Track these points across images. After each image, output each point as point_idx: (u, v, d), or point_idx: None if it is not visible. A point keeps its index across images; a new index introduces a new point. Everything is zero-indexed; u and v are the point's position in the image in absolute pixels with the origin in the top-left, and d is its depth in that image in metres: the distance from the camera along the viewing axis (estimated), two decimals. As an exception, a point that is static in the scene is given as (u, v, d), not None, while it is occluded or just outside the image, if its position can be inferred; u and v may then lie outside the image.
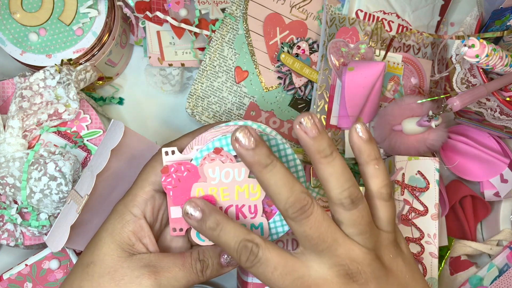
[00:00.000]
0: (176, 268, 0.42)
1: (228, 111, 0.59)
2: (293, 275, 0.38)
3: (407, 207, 0.53)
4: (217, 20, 0.60)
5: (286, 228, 0.44)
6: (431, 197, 0.53)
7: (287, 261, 0.38)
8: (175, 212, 0.44)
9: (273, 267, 0.38)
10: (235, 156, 0.42)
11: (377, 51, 0.59)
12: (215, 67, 0.59)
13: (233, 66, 0.60)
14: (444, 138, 0.57)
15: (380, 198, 0.41)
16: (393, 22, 0.62)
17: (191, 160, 0.42)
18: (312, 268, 0.38)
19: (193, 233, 0.44)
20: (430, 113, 0.53)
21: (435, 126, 0.53)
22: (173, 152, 0.43)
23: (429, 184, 0.54)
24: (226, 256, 0.44)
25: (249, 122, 0.44)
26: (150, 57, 0.61)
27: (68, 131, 0.56)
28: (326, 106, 0.58)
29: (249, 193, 0.43)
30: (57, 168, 0.52)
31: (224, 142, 0.42)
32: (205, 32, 0.60)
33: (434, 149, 0.57)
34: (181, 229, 0.45)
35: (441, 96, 0.58)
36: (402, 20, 0.62)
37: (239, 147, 0.37)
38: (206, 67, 0.59)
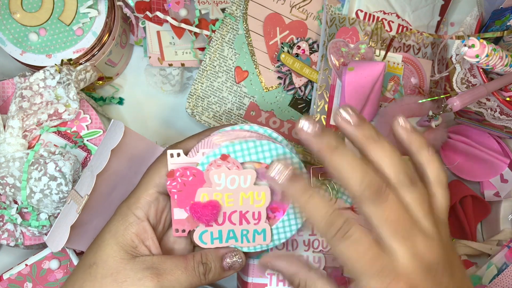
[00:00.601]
0: (179, 271, 0.42)
1: (228, 111, 0.59)
2: (382, 261, 0.35)
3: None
4: (217, 20, 0.60)
5: (289, 234, 0.45)
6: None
7: (374, 246, 0.35)
8: (178, 213, 0.44)
9: (364, 248, 0.35)
10: (242, 163, 0.43)
11: (377, 51, 0.59)
12: (215, 67, 0.59)
13: (233, 66, 0.60)
14: (444, 138, 0.57)
15: (439, 185, 0.40)
16: (393, 22, 0.62)
17: (197, 165, 0.43)
18: (396, 257, 0.35)
19: (196, 236, 0.44)
20: (430, 113, 0.53)
21: (435, 126, 0.53)
22: (178, 155, 0.43)
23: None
24: (228, 259, 0.44)
25: (255, 127, 0.44)
26: (150, 57, 0.61)
27: (68, 131, 0.56)
28: (326, 106, 0.58)
29: (254, 200, 0.43)
30: (57, 168, 0.52)
31: (231, 149, 0.42)
32: (205, 32, 0.60)
33: (434, 149, 0.57)
34: (183, 230, 0.45)
35: (441, 96, 0.58)
36: (402, 20, 0.62)
37: (306, 133, 0.36)
38: (206, 67, 0.59)
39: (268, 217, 0.44)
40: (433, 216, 0.38)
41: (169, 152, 0.43)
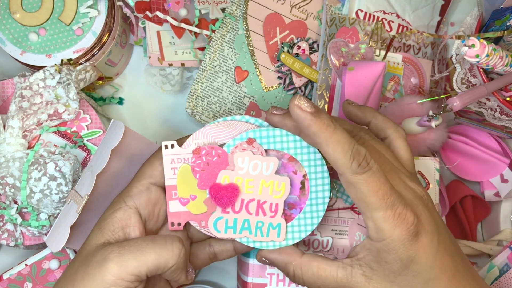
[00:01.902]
0: (144, 243, 0.41)
1: (228, 111, 0.59)
2: (394, 194, 0.38)
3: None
4: (217, 20, 0.60)
5: (303, 235, 0.44)
6: (431, 197, 0.53)
7: (387, 180, 0.38)
8: (173, 206, 0.44)
9: (382, 181, 0.37)
10: (266, 151, 0.43)
11: (377, 51, 0.59)
12: (215, 67, 0.59)
13: (233, 66, 0.60)
14: (444, 138, 0.57)
15: (400, 138, 0.44)
16: (393, 22, 0.62)
17: (222, 146, 0.43)
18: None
19: (210, 222, 0.43)
20: (430, 113, 0.53)
21: (435, 126, 0.53)
22: (172, 146, 0.44)
23: (429, 184, 0.54)
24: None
25: (246, 117, 0.44)
26: (150, 57, 0.61)
27: (68, 131, 0.56)
28: (326, 106, 0.58)
29: (273, 191, 0.43)
30: (57, 168, 0.52)
31: (258, 134, 0.43)
32: (205, 32, 0.60)
33: (434, 149, 0.57)
34: (179, 224, 0.45)
35: (441, 96, 0.58)
36: (402, 20, 0.62)
37: (300, 111, 0.37)
38: (206, 67, 0.59)
39: (284, 213, 0.44)
40: (400, 162, 0.43)
41: (163, 143, 0.44)
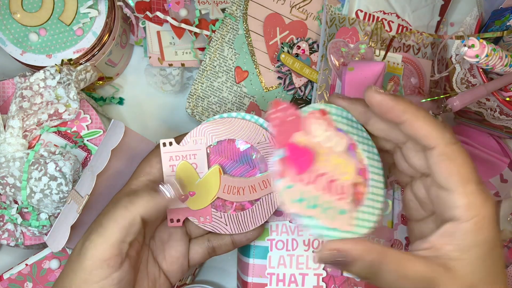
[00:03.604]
0: (144, 192, 0.42)
1: (228, 111, 0.59)
2: (476, 172, 0.36)
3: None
4: (217, 20, 0.60)
5: (365, 230, 0.38)
6: None
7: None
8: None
9: (467, 157, 0.36)
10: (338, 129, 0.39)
11: (377, 51, 0.59)
12: (215, 67, 0.59)
13: (233, 66, 0.60)
14: None
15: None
16: (393, 22, 0.62)
17: (298, 110, 0.38)
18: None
19: (279, 190, 0.36)
20: (430, 113, 0.53)
21: None
22: (170, 144, 0.44)
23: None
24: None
25: (242, 113, 0.45)
26: (150, 57, 0.61)
27: (68, 131, 0.56)
28: (326, 106, 0.58)
29: (342, 171, 0.38)
30: (57, 168, 0.52)
31: (329, 110, 0.39)
32: (205, 32, 0.60)
33: None
34: (178, 220, 0.45)
35: (441, 96, 0.58)
36: (402, 20, 0.62)
37: (381, 95, 0.37)
38: (206, 67, 0.59)
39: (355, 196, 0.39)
40: None
41: (161, 141, 0.44)
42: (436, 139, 0.36)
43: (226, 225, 0.46)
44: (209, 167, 0.45)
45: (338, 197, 0.37)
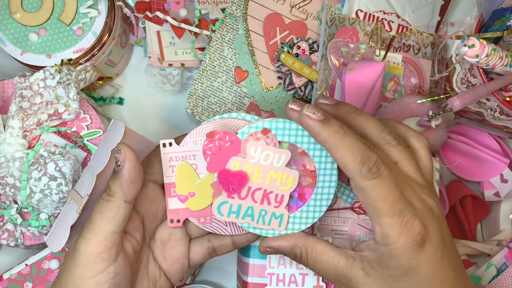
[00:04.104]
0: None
1: (228, 111, 0.59)
2: (403, 202, 0.38)
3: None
4: (217, 20, 0.60)
5: (303, 226, 0.44)
6: None
7: (397, 188, 0.38)
8: (172, 203, 0.45)
9: (391, 188, 0.37)
10: (279, 142, 0.43)
11: (377, 51, 0.59)
12: (215, 67, 0.59)
13: (233, 66, 0.60)
14: (444, 138, 0.57)
15: (422, 148, 0.44)
16: (393, 22, 0.62)
17: (236, 133, 0.42)
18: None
19: (214, 206, 0.44)
20: (430, 113, 0.53)
21: (435, 126, 0.53)
22: (170, 144, 0.44)
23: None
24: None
25: (242, 114, 0.45)
26: (150, 57, 0.61)
27: (68, 131, 0.56)
28: (326, 106, 0.58)
29: (281, 182, 0.43)
30: (57, 168, 0.52)
31: (274, 125, 0.42)
32: (205, 32, 0.60)
33: (434, 149, 0.57)
34: (178, 221, 0.45)
35: (441, 96, 0.58)
36: (402, 20, 0.62)
37: (309, 119, 0.38)
38: (206, 67, 0.59)
39: (288, 204, 0.44)
40: (420, 173, 0.42)
41: (161, 142, 0.44)
42: (352, 172, 0.38)
43: (226, 226, 0.46)
44: None
45: (274, 205, 0.44)
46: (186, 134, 0.46)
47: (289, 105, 0.41)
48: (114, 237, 0.40)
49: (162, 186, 0.45)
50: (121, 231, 0.41)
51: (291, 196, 0.44)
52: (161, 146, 0.44)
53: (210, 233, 0.47)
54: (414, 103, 0.56)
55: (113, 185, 0.41)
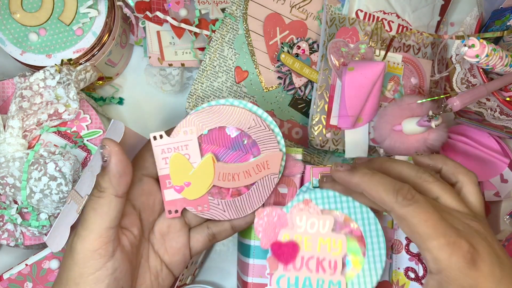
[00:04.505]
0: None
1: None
2: (445, 224, 0.38)
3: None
4: (217, 20, 0.60)
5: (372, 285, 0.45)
6: None
7: (437, 212, 0.39)
8: (168, 194, 0.45)
9: (430, 212, 0.38)
10: (322, 211, 0.46)
11: (377, 51, 0.59)
12: (215, 67, 0.59)
13: (233, 66, 0.60)
14: (444, 138, 0.57)
15: (470, 183, 0.44)
16: (393, 22, 0.62)
17: (281, 208, 0.46)
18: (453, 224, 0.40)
19: (274, 280, 0.45)
20: (430, 113, 0.53)
21: (435, 126, 0.53)
22: (161, 137, 0.45)
23: (429, 184, 0.54)
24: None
25: (230, 99, 0.46)
26: (150, 57, 0.61)
27: (68, 131, 0.56)
28: (326, 106, 0.58)
29: (331, 247, 0.45)
30: (57, 168, 0.52)
31: (313, 196, 0.46)
32: (205, 32, 0.60)
33: (434, 149, 0.57)
34: (176, 211, 0.45)
35: (441, 96, 0.58)
36: (402, 20, 0.62)
37: (339, 173, 0.43)
38: (206, 67, 0.59)
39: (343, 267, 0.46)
40: (465, 205, 0.42)
41: (151, 135, 0.44)
42: (389, 204, 0.40)
43: (224, 211, 0.46)
44: (202, 156, 0.46)
45: (330, 273, 0.45)
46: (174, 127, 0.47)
47: (321, 181, 0.45)
48: (110, 232, 0.40)
49: (157, 179, 0.46)
50: (116, 226, 0.41)
51: (344, 264, 0.45)
52: (151, 139, 0.44)
53: (208, 220, 0.48)
54: (414, 103, 0.56)
55: (102, 181, 0.41)
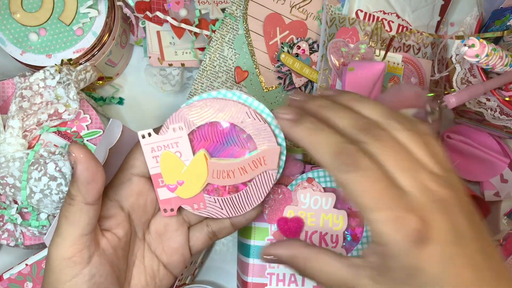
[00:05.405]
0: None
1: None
2: (392, 193, 0.33)
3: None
4: (217, 20, 0.60)
5: None
6: None
7: (384, 178, 0.34)
8: (162, 193, 0.44)
9: (374, 179, 0.33)
10: (324, 188, 0.48)
11: (377, 51, 0.59)
12: (215, 67, 0.59)
13: (233, 66, 0.60)
14: (436, 130, 0.57)
15: (430, 136, 0.38)
16: (393, 22, 0.62)
17: (286, 185, 0.48)
18: (405, 190, 0.34)
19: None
20: (429, 108, 0.53)
21: (432, 121, 0.53)
22: (149, 135, 0.42)
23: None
24: None
25: (222, 91, 0.43)
26: (150, 57, 0.61)
27: (68, 131, 0.56)
28: (326, 106, 0.58)
29: (333, 223, 0.48)
30: (57, 168, 0.52)
31: (316, 174, 0.48)
32: (205, 32, 0.60)
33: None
34: (172, 209, 0.44)
35: (442, 91, 0.58)
36: (402, 20, 0.62)
37: (281, 120, 0.38)
38: (206, 67, 0.59)
39: (344, 246, 0.48)
40: (435, 159, 0.36)
41: (140, 133, 0.42)
42: (329, 168, 0.35)
43: (222, 209, 0.45)
44: (194, 153, 0.44)
45: (331, 246, 0.48)
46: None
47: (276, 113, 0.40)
48: (83, 239, 0.39)
49: (149, 178, 0.44)
50: (90, 232, 0.40)
51: (345, 238, 0.48)
52: (140, 137, 0.42)
53: (207, 218, 0.46)
54: (412, 93, 0.56)
55: (71, 188, 0.39)
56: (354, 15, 0.61)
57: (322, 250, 0.40)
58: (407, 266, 0.34)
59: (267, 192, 0.45)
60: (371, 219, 0.34)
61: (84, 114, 0.57)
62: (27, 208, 0.53)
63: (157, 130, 0.43)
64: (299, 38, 0.61)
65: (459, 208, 0.35)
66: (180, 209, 0.45)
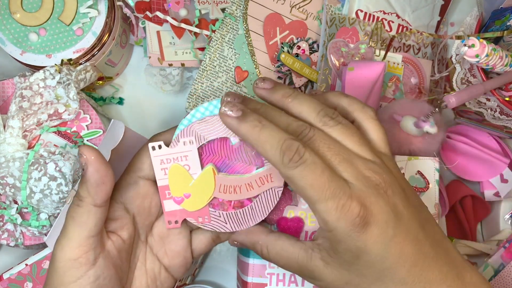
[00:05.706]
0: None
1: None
2: (336, 183, 0.36)
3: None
4: (217, 20, 0.60)
5: None
6: (431, 197, 0.54)
7: (327, 169, 0.37)
8: (168, 205, 0.44)
9: (319, 172, 0.36)
10: None
11: (377, 51, 0.59)
12: (215, 67, 0.59)
13: (233, 66, 0.60)
14: (428, 153, 0.56)
15: (368, 119, 0.42)
16: (393, 22, 0.62)
17: (286, 185, 0.45)
18: (345, 179, 0.38)
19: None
20: (429, 117, 0.53)
21: (427, 131, 0.53)
22: (160, 147, 0.43)
23: (429, 184, 0.54)
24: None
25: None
26: (150, 57, 0.61)
27: (68, 131, 0.56)
28: (326, 106, 0.58)
29: None
30: (57, 168, 0.52)
31: None
32: (205, 32, 0.60)
33: (415, 155, 0.56)
34: (176, 222, 0.44)
35: (444, 94, 0.58)
36: (402, 20, 0.62)
37: (226, 118, 0.39)
38: (206, 67, 0.59)
39: None
40: (368, 147, 0.40)
41: (150, 145, 0.43)
42: (275, 164, 0.38)
43: (226, 223, 0.46)
44: (202, 167, 0.44)
45: None
46: (173, 128, 0.45)
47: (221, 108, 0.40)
48: (90, 241, 0.40)
49: (155, 181, 0.44)
50: (97, 234, 0.40)
51: None
52: (150, 149, 0.43)
53: None
54: (414, 105, 0.56)
55: (80, 189, 0.40)
56: (354, 15, 0.61)
57: (281, 236, 0.43)
58: (353, 249, 0.37)
59: (272, 208, 0.46)
60: (317, 210, 0.37)
61: (84, 114, 0.57)
62: (27, 208, 0.53)
63: (162, 134, 0.44)
64: (299, 38, 0.61)
65: (394, 190, 0.38)
66: (184, 220, 0.45)
